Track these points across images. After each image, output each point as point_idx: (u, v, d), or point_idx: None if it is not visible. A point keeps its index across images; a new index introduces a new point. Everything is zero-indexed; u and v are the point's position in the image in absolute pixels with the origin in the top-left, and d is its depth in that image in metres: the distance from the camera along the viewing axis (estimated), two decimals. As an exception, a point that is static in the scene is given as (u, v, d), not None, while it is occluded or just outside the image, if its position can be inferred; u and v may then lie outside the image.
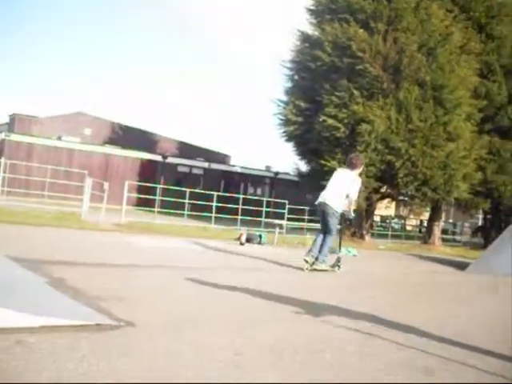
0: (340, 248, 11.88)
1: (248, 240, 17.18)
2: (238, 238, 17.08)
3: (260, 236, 18.18)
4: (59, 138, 36.36)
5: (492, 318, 7.79)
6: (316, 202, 11.17)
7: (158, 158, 38.37)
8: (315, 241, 10.99)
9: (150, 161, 37.66)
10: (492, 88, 27.06)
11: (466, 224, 49.29)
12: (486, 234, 33.56)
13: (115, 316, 5.07)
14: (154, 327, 4.93)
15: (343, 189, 10.76)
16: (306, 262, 10.74)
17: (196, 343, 4.53)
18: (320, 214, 11.08)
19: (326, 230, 10.93)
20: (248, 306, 6.64)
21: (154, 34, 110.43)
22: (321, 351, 4.70)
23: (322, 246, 10.81)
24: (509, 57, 27.86)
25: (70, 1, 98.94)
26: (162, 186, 29.88)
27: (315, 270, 10.71)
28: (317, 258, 10.79)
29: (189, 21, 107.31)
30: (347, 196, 10.77)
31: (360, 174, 11.67)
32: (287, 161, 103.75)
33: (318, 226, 26.49)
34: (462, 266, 16.34)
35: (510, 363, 4.97)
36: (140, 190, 30.43)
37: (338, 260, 11.25)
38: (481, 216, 40.83)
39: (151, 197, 27.08)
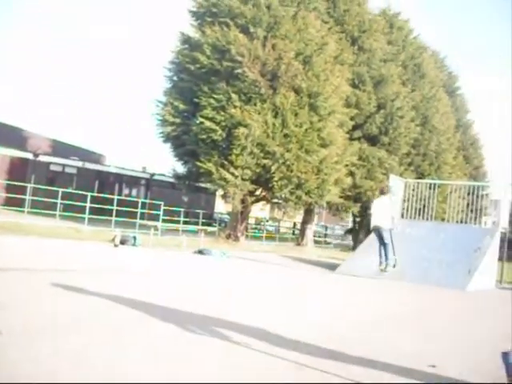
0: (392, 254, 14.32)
1: (122, 242, 16.86)
2: (112, 240, 16.71)
3: (134, 238, 17.90)
4: None
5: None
6: (372, 226, 14.50)
7: (29, 155, 36.68)
8: (380, 252, 14.30)
9: (19, 158, 35.90)
10: (362, 97, 28.39)
11: (337, 227, 51.28)
12: (355, 236, 35.09)
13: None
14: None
15: (387, 212, 14.18)
16: (382, 270, 14.21)
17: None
18: (377, 233, 14.41)
19: (382, 243, 14.21)
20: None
21: (30, 21, 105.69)
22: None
23: (385, 254, 14.14)
24: (378, 69, 29.36)
25: None
26: (32, 185, 28.61)
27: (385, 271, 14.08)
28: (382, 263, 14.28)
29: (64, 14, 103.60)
30: (392, 217, 14.38)
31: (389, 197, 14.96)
32: (164, 162, 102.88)
33: (192, 227, 26.50)
34: (331, 267, 16.94)
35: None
36: (8, 189, 28.93)
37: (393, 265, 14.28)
38: (351, 219, 42.57)
39: (21, 196, 25.88)
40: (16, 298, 6.51)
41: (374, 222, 14.30)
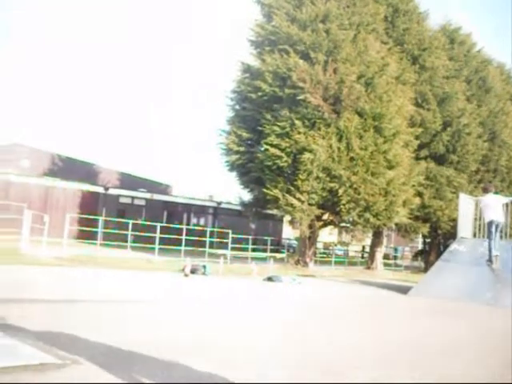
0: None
1: (192, 271, 17.04)
2: (183, 270, 16.92)
3: (204, 267, 18.07)
4: (-5, 170, 35.44)
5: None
6: (489, 220, 15.23)
7: (100, 189, 37.78)
8: (490, 245, 15.18)
9: (91, 192, 37.06)
10: (427, 116, 27.98)
11: (407, 248, 50.29)
12: (426, 258, 34.35)
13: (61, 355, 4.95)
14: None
15: (499, 208, 15.29)
16: (495, 257, 15.18)
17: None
18: (493, 228, 15.14)
19: (492, 237, 15.15)
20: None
21: (95, 59, 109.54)
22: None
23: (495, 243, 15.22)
24: (441, 86, 28.91)
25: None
26: (103, 217, 29.41)
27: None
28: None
29: (128, 53, 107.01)
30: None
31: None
32: (230, 190, 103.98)
33: (261, 254, 26.47)
34: (403, 290, 16.61)
35: None
36: (81, 222, 29.82)
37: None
38: (420, 240, 41.75)
39: (93, 229, 26.62)
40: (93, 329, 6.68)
41: (491, 216, 15.28)
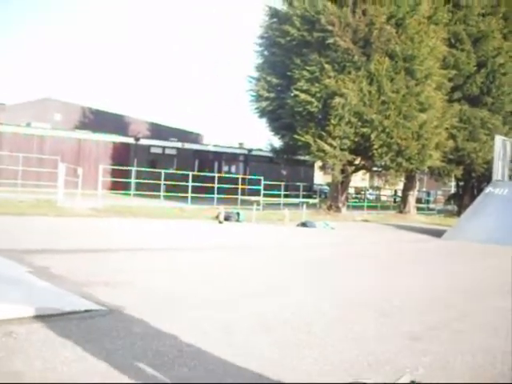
0: None
1: (226, 218, 17.21)
2: (217, 217, 17.09)
3: (238, 214, 18.23)
4: (28, 125, 35.73)
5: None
6: None
7: (131, 140, 37.88)
8: None
9: (122, 144, 37.20)
10: (460, 57, 27.24)
11: (440, 192, 49.88)
12: (459, 201, 34.03)
13: (102, 301, 5.08)
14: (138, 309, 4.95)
15: None
16: None
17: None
18: None
19: None
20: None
21: (120, 12, 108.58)
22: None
23: None
24: (476, 25, 28.00)
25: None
26: (135, 168, 29.64)
27: None
28: None
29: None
30: None
31: None
32: (261, 137, 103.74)
33: (293, 200, 26.55)
34: (437, 234, 16.58)
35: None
36: (114, 173, 30.08)
37: None
38: (453, 184, 41.32)
39: (126, 180, 26.88)
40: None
41: None
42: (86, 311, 4.71)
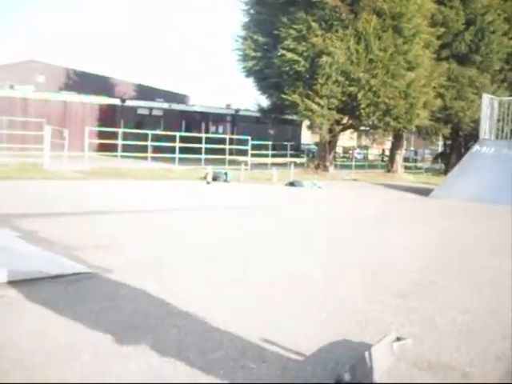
0: None
1: (214, 178, 17.21)
2: (204, 177, 17.08)
3: (225, 174, 18.22)
4: (11, 87, 35.25)
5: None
6: None
7: (117, 101, 37.61)
8: None
9: (108, 105, 36.90)
10: (449, 15, 27.01)
11: (427, 151, 50.05)
12: (447, 160, 34.17)
13: (91, 264, 5.09)
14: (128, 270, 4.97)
15: None
16: None
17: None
18: None
19: None
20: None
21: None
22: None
23: None
24: (465, -18, 27.68)
25: None
26: (122, 129, 29.42)
27: None
28: None
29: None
30: None
31: None
32: (248, 98, 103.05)
33: (281, 160, 26.55)
34: (425, 192, 16.68)
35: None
36: (100, 135, 29.85)
37: None
38: (441, 142, 41.43)
39: (113, 141, 26.68)
40: (136, 236, 6.82)
41: None
42: (74, 274, 4.72)
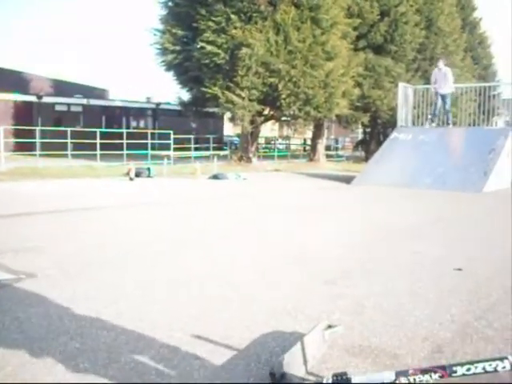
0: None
1: (137, 174, 16.96)
2: (127, 174, 16.81)
3: (148, 169, 18.02)
4: None
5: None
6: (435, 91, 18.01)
7: (33, 98, 36.41)
8: (434, 109, 18.06)
9: (24, 102, 35.65)
10: (364, 6, 27.60)
11: (347, 139, 51.07)
12: (367, 147, 35.02)
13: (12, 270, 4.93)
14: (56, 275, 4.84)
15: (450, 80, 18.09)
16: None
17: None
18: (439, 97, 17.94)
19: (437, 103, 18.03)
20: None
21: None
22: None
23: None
24: (378, -26, 28.33)
25: None
26: (40, 127, 28.52)
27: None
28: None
29: None
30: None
31: None
32: (169, 91, 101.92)
33: (204, 153, 26.47)
34: (347, 180, 17.01)
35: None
36: (17, 134, 28.83)
37: None
38: (360, 130, 42.36)
39: (30, 140, 25.83)
40: (54, 238, 6.63)
41: (439, 88, 17.67)
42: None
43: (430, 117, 18.29)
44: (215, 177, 17.71)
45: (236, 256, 5.90)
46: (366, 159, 28.36)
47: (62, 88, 42.72)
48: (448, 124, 18.11)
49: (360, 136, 44.17)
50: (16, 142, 27.81)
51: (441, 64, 18.09)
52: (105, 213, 9.39)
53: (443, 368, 2.28)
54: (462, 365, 2.25)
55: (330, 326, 3.43)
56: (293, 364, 2.83)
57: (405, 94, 19.03)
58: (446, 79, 17.63)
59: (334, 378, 2.50)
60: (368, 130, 36.32)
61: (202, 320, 3.73)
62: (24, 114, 34.43)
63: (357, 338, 3.46)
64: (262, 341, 3.35)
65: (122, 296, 4.24)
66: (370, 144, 34.18)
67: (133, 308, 3.94)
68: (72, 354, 3.08)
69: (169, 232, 7.46)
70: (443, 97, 17.81)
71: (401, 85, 19.51)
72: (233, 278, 4.89)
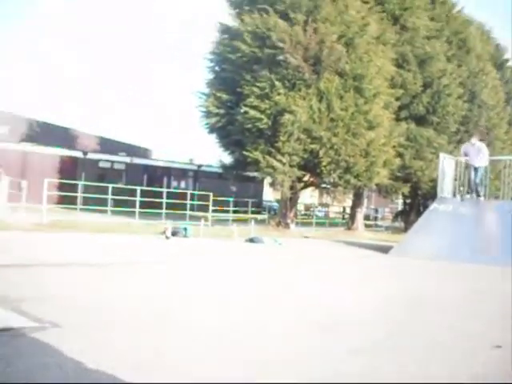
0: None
1: (173, 234, 17.01)
2: (163, 232, 16.88)
3: (185, 229, 18.06)
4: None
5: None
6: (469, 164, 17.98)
7: (79, 154, 37.36)
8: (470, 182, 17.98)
9: (70, 157, 36.65)
10: (407, 77, 27.80)
11: (387, 209, 50.67)
12: (406, 218, 34.60)
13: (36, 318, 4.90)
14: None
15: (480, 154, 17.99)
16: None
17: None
18: (473, 171, 17.87)
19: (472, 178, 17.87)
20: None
21: (66, 17, 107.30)
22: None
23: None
24: (422, 47, 28.67)
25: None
26: (82, 182, 29.10)
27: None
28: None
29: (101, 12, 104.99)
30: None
31: None
32: (211, 153, 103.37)
33: (242, 216, 26.49)
34: (384, 250, 16.73)
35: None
36: (61, 187, 29.47)
37: None
38: (400, 201, 41.99)
39: (73, 194, 26.34)
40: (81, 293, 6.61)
41: (471, 161, 17.82)
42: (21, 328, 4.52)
43: (461, 188, 18.26)
44: (251, 240, 17.65)
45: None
46: (406, 230, 27.97)
47: (106, 145, 43.81)
48: (479, 196, 17.87)
49: (400, 207, 43.78)
50: (59, 195, 28.35)
51: (474, 140, 18.22)
52: (123, 268, 9.36)
53: None
54: None
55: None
56: None
57: (446, 165, 18.85)
58: (479, 153, 17.67)
59: None
60: (408, 200, 35.99)
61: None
62: (69, 169, 35.29)
63: None
64: None
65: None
66: (410, 215, 33.77)
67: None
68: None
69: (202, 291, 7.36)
70: (476, 170, 17.76)
71: (442, 155, 19.36)
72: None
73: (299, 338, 5.02)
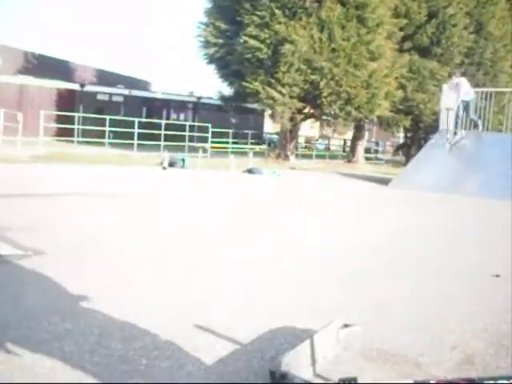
0: None
1: (171, 164, 16.89)
2: (161, 163, 16.74)
3: (183, 160, 17.91)
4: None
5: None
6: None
7: (76, 86, 36.70)
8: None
9: (67, 90, 35.96)
10: (412, 6, 26.99)
11: (388, 143, 50.34)
12: (407, 152, 34.33)
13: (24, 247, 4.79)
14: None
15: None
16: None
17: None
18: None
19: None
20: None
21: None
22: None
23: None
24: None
25: None
26: (80, 114, 28.74)
27: None
28: None
29: None
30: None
31: None
32: (211, 86, 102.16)
33: (241, 147, 26.24)
34: (384, 182, 16.60)
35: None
36: (58, 120, 29.08)
37: None
38: (402, 134, 41.63)
39: (70, 126, 26.03)
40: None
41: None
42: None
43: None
44: (250, 171, 17.50)
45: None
46: (406, 164, 27.78)
47: (104, 78, 43.09)
48: (476, 127, 17.30)
49: (401, 140, 43.45)
50: (57, 128, 28.03)
51: (455, 79, 17.37)
52: (124, 199, 9.25)
53: (472, 381, 1.95)
54: (494, 379, 1.91)
55: (346, 325, 3.15)
56: (299, 364, 2.56)
57: (449, 98, 18.45)
58: (462, 88, 16.83)
59: (341, 382, 2.21)
60: (409, 134, 35.63)
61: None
62: (67, 102, 34.75)
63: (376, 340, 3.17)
64: (269, 336, 3.09)
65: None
66: (411, 149, 33.46)
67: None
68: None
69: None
70: (467, 105, 17.02)
71: (445, 87, 18.94)
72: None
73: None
